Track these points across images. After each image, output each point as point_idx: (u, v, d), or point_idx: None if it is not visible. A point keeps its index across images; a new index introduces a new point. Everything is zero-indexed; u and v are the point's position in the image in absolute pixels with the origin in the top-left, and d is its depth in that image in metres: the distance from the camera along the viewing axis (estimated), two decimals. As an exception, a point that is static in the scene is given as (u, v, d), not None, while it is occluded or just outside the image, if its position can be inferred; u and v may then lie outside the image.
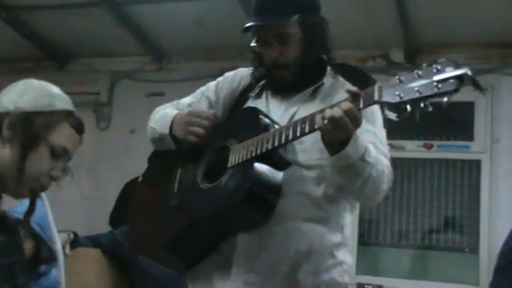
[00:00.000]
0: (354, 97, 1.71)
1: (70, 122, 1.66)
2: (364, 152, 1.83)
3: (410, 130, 5.15)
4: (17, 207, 1.76)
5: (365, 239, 5.15)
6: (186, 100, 2.30)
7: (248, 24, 2.04)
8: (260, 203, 1.90)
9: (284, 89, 2.10)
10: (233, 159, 1.94)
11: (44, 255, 1.69)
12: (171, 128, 2.10)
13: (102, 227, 4.02)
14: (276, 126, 1.92)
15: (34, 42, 5.56)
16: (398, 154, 5.11)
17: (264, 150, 1.86)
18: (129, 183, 3.44)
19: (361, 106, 1.70)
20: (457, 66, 1.53)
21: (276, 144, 1.84)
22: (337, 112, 1.69)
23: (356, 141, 1.79)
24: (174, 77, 5.43)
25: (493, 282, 1.54)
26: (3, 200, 1.64)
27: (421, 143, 5.07)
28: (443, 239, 4.99)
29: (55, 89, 1.70)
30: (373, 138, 1.98)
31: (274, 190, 1.90)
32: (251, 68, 2.22)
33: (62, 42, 5.61)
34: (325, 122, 1.71)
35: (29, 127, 1.60)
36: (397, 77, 1.62)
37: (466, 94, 5.28)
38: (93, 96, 5.48)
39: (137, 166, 2.40)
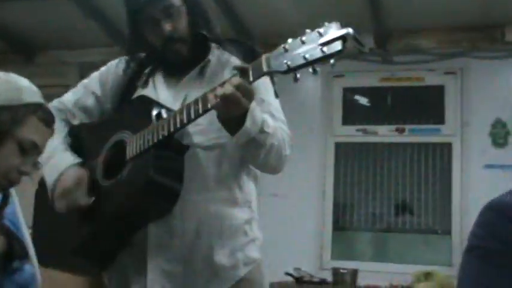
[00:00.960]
0: (242, 72, 1.71)
1: (38, 115, 1.62)
2: (263, 124, 1.83)
3: (382, 115, 5.20)
4: None
5: (339, 224, 5.18)
6: (70, 97, 2.21)
7: (134, 4, 2.00)
8: (164, 191, 1.88)
9: (177, 67, 2.04)
10: (131, 151, 1.89)
11: (16, 251, 1.66)
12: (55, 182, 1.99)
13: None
14: (168, 112, 1.88)
15: (0, 35, 5.48)
16: (371, 139, 5.16)
17: (160, 137, 1.83)
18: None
19: (251, 79, 1.69)
20: (339, 27, 1.55)
21: (172, 130, 1.81)
22: (228, 89, 1.68)
23: (253, 114, 1.78)
24: (144, 67, 5.38)
25: (464, 263, 1.55)
26: None
27: (393, 127, 5.12)
28: (416, 222, 5.05)
29: (23, 81, 1.66)
30: (268, 107, 1.97)
31: (177, 176, 1.88)
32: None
33: (29, 34, 5.53)
34: (218, 100, 1.69)
35: None
36: (282, 45, 1.62)
37: (435, 78, 5.37)
38: (63, 89, 5.37)
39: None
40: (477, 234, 1.59)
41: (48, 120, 1.65)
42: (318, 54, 1.56)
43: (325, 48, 1.55)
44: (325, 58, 1.55)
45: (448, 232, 4.88)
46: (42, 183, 2.09)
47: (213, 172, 1.97)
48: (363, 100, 5.46)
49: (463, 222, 4.74)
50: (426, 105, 5.16)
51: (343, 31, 1.53)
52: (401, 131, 5.11)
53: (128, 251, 1.97)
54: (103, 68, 2.21)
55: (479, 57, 4.91)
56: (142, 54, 2.13)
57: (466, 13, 4.72)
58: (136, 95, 2.07)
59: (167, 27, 1.97)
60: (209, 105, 1.73)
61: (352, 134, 5.21)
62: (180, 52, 2.00)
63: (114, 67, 2.18)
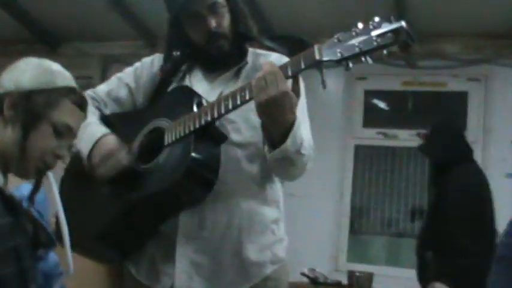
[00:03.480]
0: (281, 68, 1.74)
1: (71, 98, 1.63)
2: (301, 145, 1.84)
3: (403, 119, 5.17)
4: (21, 185, 1.75)
5: (356, 227, 5.16)
6: (103, 88, 2.23)
7: (178, 1, 2.01)
8: (201, 178, 1.89)
9: (215, 65, 2.06)
10: (170, 137, 1.91)
11: (41, 239, 1.67)
12: (91, 150, 1.99)
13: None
14: (209, 102, 1.91)
15: (25, 25, 5.51)
16: (391, 143, 5.14)
17: (202, 123, 1.85)
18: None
19: (303, 67, 1.71)
20: (392, 21, 1.60)
21: (216, 115, 1.84)
22: (267, 66, 1.73)
23: (294, 135, 1.79)
24: (167, 62, 5.40)
25: (493, 273, 1.54)
26: (9, 180, 1.62)
27: (414, 132, 5.08)
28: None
29: (55, 66, 1.67)
30: (299, 112, 1.92)
31: (214, 165, 1.89)
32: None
33: (53, 25, 5.56)
34: (262, 80, 1.72)
35: (30, 106, 1.57)
36: (335, 36, 1.67)
37: (459, 84, 5.31)
38: (85, 80, 5.43)
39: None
40: (507, 244, 1.57)
41: (81, 104, 1.66)
42: (371, 45, 1.61)
43: (379, 40, 1.60)
44: (378, 48, 1.60)
45: (466, 239, 4.83)
46: (72, 162, 2.06)
47: (246, 168, 1.98)
48: (385, 103, 5.44)
49: (482, 231, 4.70)
50: (448, 111, 5.12)
51: (397, 24, 1.58)
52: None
53: (157, 241, 1.99)
54: (137, 63, 2.23)
55: (504, 64, 4.88)
56: (178, 53, 2.14)
57: (491, 20, 4.70)
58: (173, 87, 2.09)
59: (212, 22, 1.99)
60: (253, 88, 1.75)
61: (373, 137, 5.19)
62: (222, 48, 2.02)
63: (150, 63, 2.20)
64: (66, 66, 1.71)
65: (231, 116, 1.90)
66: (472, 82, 4.98)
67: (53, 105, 1.59)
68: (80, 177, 2.07)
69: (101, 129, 2.03)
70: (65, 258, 1.71)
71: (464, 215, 3.37)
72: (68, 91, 1.63)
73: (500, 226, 2.02)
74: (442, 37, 4.97)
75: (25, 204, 1.66)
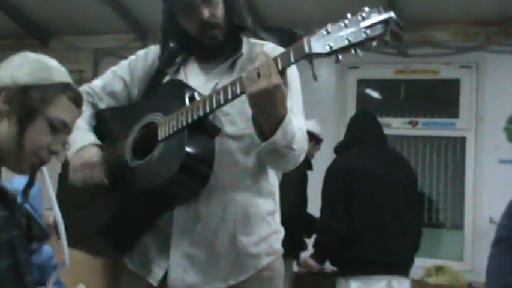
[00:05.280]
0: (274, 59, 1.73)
1: (68, 94, 1.63)
2: (292, 140, 1.83)
3: (396, 107, 5.18)
4: (13, 179, 1.74)
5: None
6: (98, 82, 2.23)
7: None
8: (196, 173, 1.89)
9: (210, 55, 2.06)
10: (163, 132, 1.91)
11: (35, 232, 1.67)
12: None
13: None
14: (201, 96, 1.91)
15: (16, 19, 5.49)
16: (385, 131, 5.12)
17: (195, 117, 1.85)
18: None
19: (292, 61, 1.70)
20: (381, 12, 1.58)
21: (208, 110, 1.83)
22: (261, 58, 1.71)
23: (285, 128, 1.79)
24: (159, 54, 5.40)
25: (492, 255, 1.55)
26: (2, 173, 1.62)
27: (407, 120, 5.11)
28: (428, 216, 5.03)
29: (52, 62, 1.67)
30: (289, 103, 1.90)
31: (209, 159, 1.89)
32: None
33: (44, 19, 5.55)
34: (254, 72, 1.70)
35: (26, 101, 1.57)
36: (323, 28, 1.65)
37: (451, 71, 5.30)
38: (78, 74, 5.43)
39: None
40: (505, 225, 1.57)
41: (77, 100, 1.66)
42: (361, 36, 1.58)
43: (368, 31, 1.57)
44: (368, 40, 1.58)
45: (460, 227, 4.87)
46: (66, 163, 2.08)
47: (241, 161, 1.98)
48: (377, 92, 5.45)
49: (476, 217, 4.73)
50: (441, 98, 5.14)
51: (386, 15, 1.56)
52: (414, 124, 5.10)
53: (152, 233, 1.99)
54: (132, 56, 2.22)
55: (495, 51, 4.89)
56: (172, 44, 2.13)
57: (482, 7, 4.70)
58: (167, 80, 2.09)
59: (205, 12, 1.98)
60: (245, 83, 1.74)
61: (366, 125, 5.19)
62: (216, 38, 2.01)
63: (144, 55, 2.20)
64: (57, 60, 1.71)
65: (226, 108, 1.89)
66: (464, 69, 4.99)
67: (49, 100, 1.59)
68: None
69: (87, 139, 2.03)
70: (60, 251, 1.71)
71: (327, 195, 3.62)
72: (64, 87, 1.63)
73: (496, 211, 2.03)
74: (434, 25, 4.97)
75: (20, 199, 1.65)
